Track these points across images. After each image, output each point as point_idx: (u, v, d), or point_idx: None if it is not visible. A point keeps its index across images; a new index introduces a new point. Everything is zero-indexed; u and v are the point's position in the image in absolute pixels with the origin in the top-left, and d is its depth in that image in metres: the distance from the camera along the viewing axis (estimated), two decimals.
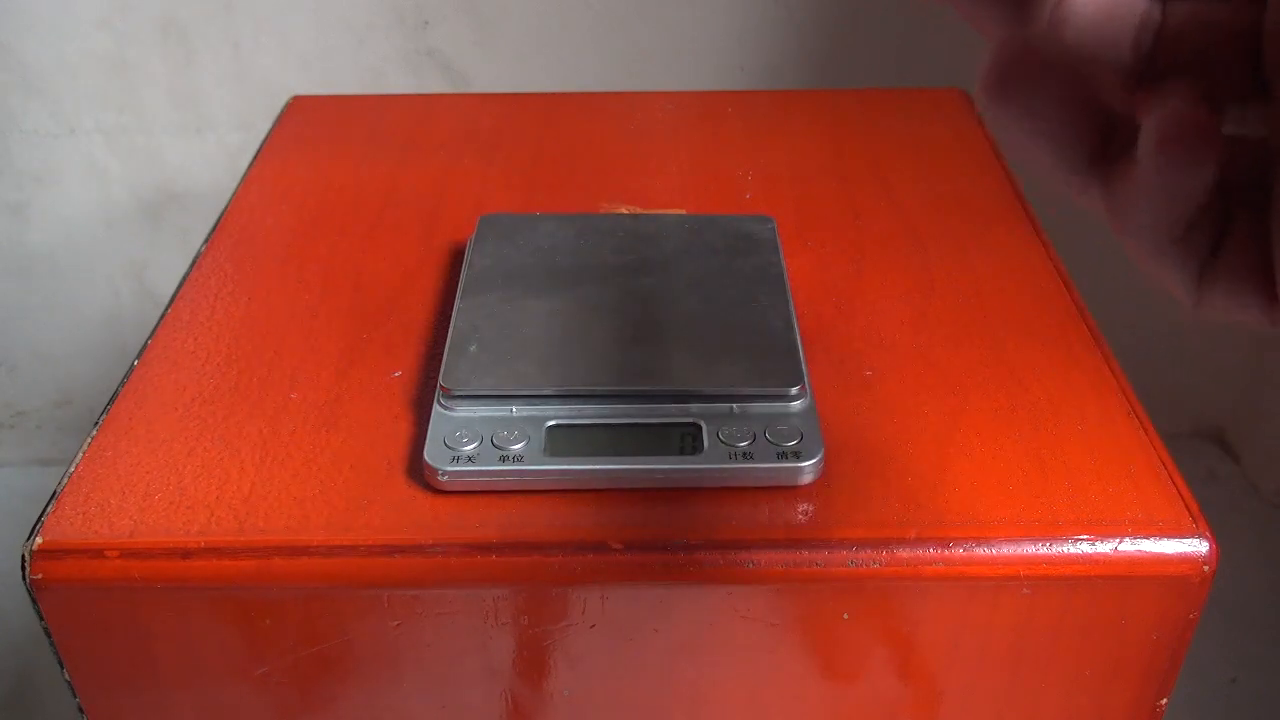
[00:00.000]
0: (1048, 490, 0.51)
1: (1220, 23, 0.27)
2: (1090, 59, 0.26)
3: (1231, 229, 0.26)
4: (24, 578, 0.48)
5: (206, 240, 0.69)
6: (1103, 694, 0.53)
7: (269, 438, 0.54)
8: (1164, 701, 0.53)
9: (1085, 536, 0.49)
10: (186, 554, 0.48)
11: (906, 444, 0.53)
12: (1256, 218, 0.26)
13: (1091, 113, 0.26)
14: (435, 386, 0.53)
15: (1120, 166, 0.25)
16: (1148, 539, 0.49)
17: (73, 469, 0.52)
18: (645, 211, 0.70)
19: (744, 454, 0.50)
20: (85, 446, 0.53)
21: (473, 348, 0.55)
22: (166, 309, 0.63)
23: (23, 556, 0.48)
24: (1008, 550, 0.48)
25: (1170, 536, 0.49)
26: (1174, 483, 0.51)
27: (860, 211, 0.72)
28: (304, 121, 0.83)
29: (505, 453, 0.50)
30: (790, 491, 0.50)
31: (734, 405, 0.52)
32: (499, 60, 1.16)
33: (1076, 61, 0.26)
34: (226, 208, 0.73)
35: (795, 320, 0.58)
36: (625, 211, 0.70)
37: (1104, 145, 0.26)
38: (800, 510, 0.50)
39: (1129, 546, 0.49)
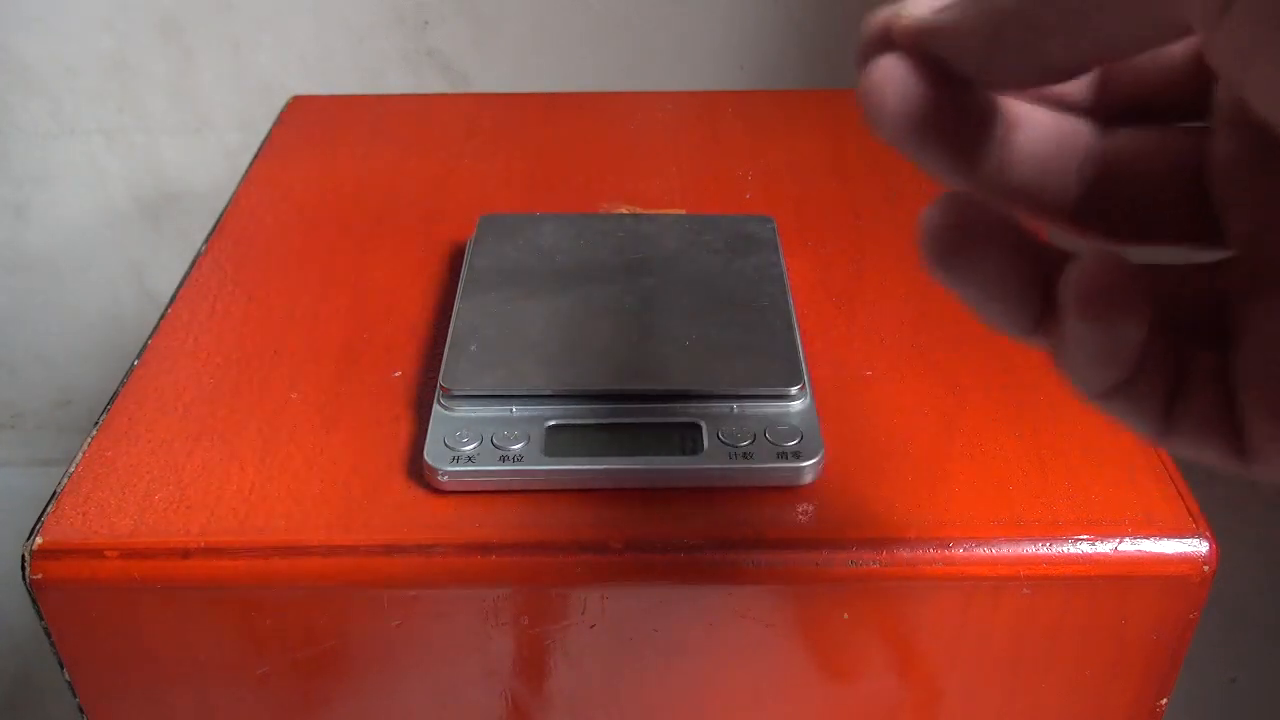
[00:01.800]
0: (1048, 490, 0.51)
1: (1167, 152, 0.26)
2: (1036, 196, 0.26)
3: (1191, 372, 0.24)
4: (24, 578, 0.48)
5: (206, 240, 0.69)
6: (1103, 694, 0.53)
7: (269, 438, 0.54)
8: (1164, 701, 0.53)
9: (1085, 536, 0.49)
10: (186, 554, 0.48)
11: (906, 444, 0.53)
12: (1217, 360, 0.24)
13: (1031, 275, 0.25)
14: (435, 386, 0.53)
15: (1060, 324, 0.24)
16: (1148, 539, 0.49)
17: (73, 469, 0.52)
18: (645, 211, 0.70)
19: (744, 454, 0.50)
20: (85, 446, 0.53)
21: (473, 348, 0.55)
22: (166, 309, 0.63)
23: (23, 556, 0.48)
24: (1008, 550, 0.48)
25: (1170, 536, 0.49)
26: (1174, 483, 0.51)
27: (860, 211, 0.72)
28: (304, 121, 0.83)
29: (505, 453, 0.50)
30: (790, 491, 0.50)
31: (734, 405, 0.52)
32: (499, 60, 1.16)
33: (1022, 199, 0.26)
34: (226, 208, 0.73)
35: (795, 320, 0.58)
36: (625, 211, 0.70)
37: (1046, 306, 0.25)
38: (800, 510, 0.50)
39: (1129, 546, 0.49)
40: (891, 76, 0.23)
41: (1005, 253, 0.25)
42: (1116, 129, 0.27)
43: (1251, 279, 0.25)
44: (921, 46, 0.24)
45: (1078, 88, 0.27)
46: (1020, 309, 0.25)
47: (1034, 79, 0.24)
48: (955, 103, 0.24)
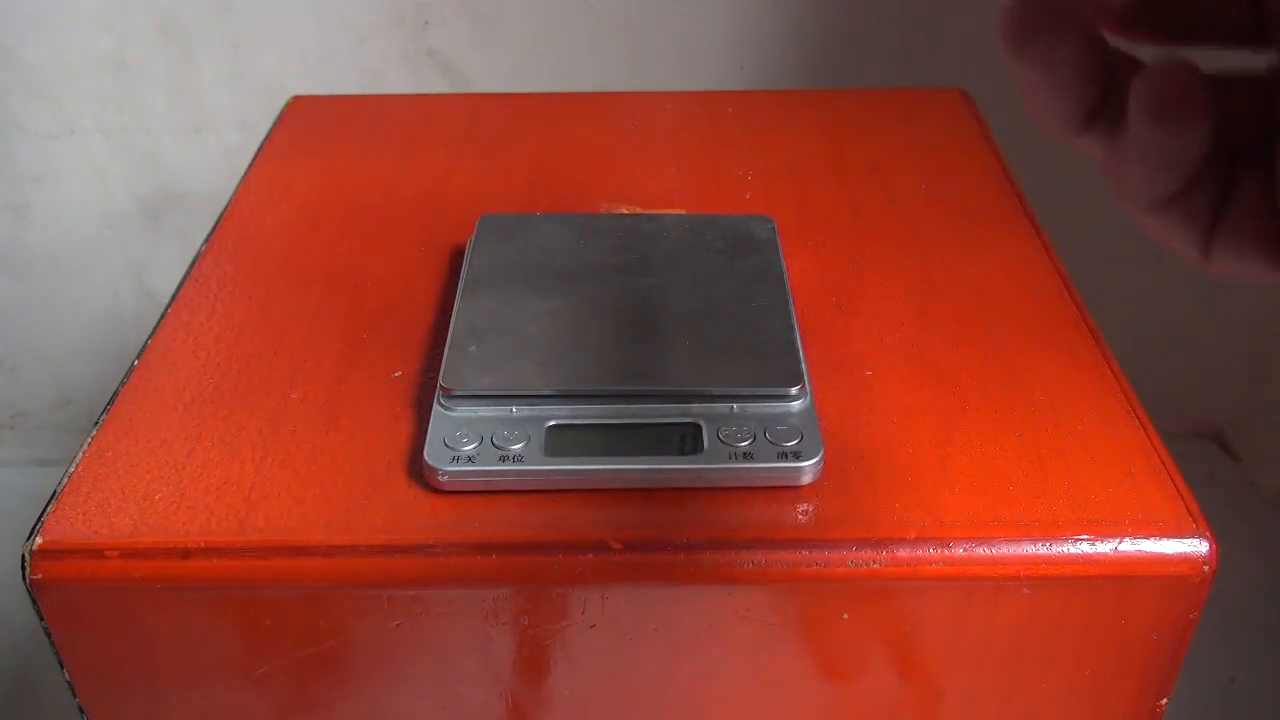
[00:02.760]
0: (1048, 490, 0.51)
1: None
2: None
3: (1237, 189, 0.25)
4: (24, 578, 0.48)
5: (206, 240, 0.69)
6: (1103, 694, 0.53)
7: (269, 438, 0.54)
8: (1164, 701, 0.53)
9: (1085, 536, 0.49)
10: (186, 554, 0.48)
11: (906, 444, 0.53)
12: (1263, 177, 0.25)
13: (1096, 70, 0.26)
14: (435, 386, 0.53)
15: (1118, 129, 0.25)
16: (1148, 539, 0.49)
17: (73, 469, 0.52)
18: (645, 211, 0.70)
19: (744, 454, 0.50)
20: (85, 446, 0.53)
21: (473, 348, 0.55)
22: (166, 309, 0.63)
23: (23, 556, 0.48)
24: (1008, 550, 0.48)
25: (1170, 536, 0.49)
26: (1174, 483, 0.51)
27: (860, 211, 0.72)
28: (304, 121, 0.83)
29: (505, 453, 0.50)
30: (790, 491, 0.50)
31: (734, 405, 0.52)
32: (499, 60, 1.17)
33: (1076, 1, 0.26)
34: (226, 208, 0.73)
35: (795, 320, 0.58)
36: (625, 211, 0.70)
37: (1104, 103, 0.26)
38: (800, 510, 0.50)
39: (1129, 546, 0.49)
40: None
41: (1077, 42, 0.25)
42: None
43: None
44: None
45: None
46: (1079, 100, 0.26)
47: None
48: None
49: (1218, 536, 0.49)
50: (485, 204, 0.72)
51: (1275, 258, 0.25)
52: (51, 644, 0.50)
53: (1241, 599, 1.20)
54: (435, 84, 1.18)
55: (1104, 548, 0.49)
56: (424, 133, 0.82)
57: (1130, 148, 0.25)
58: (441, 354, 0.55)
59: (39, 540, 0.48)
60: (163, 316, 0.62)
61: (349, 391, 0.56)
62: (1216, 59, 0.27)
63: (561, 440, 0.51)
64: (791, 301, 0.59)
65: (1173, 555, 0.49)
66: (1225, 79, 0.26)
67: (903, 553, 0.48)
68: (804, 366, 0.54)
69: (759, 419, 0.52)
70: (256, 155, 0.79)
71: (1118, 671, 0.52)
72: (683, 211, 0.71)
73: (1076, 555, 0.48)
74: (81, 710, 0.53)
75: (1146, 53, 0.27)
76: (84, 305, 1.32)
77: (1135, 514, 0.50)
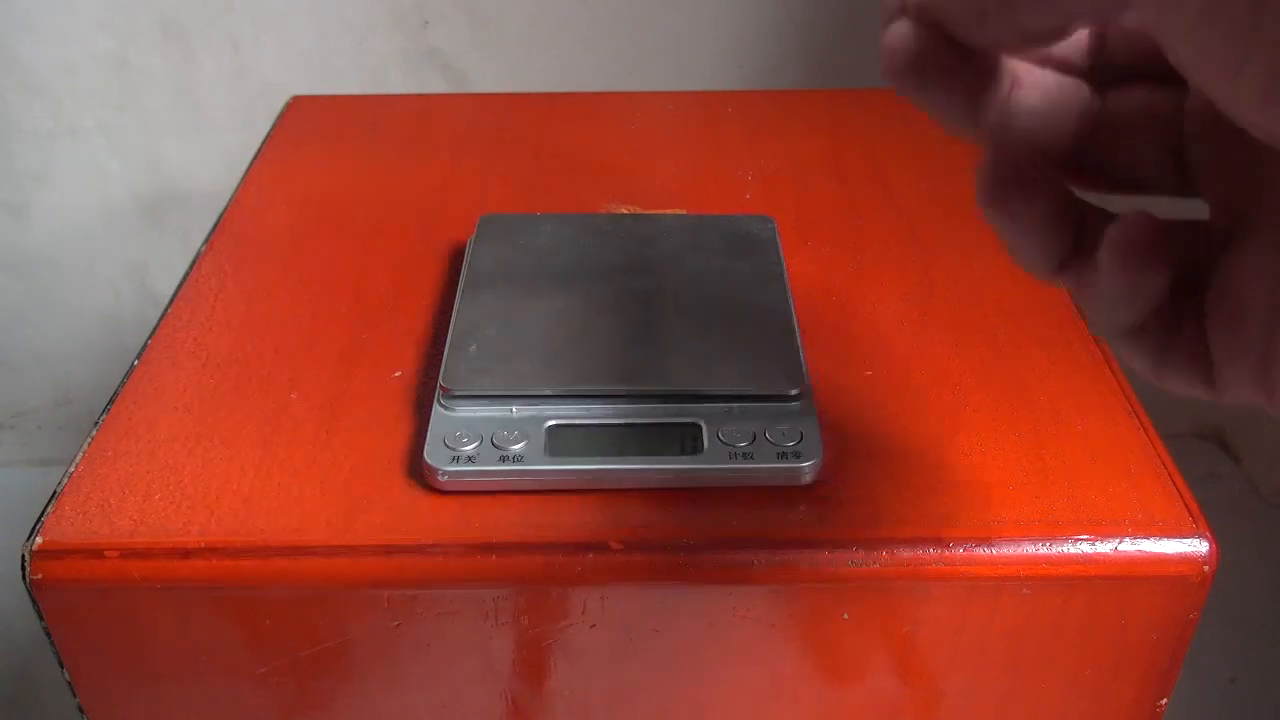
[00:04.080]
0: (1048, 490, 0.51)
1: (1154, 114, 0.30)
2: (1035, 146, 0.29)
3: (1182, 323, 0.28)
4: (24, 578, 0.48)
5: (206, 240, 0.69)
6: (1103, 694, 0.53)
7: (269, 438, 0.54)
8: (1164, 701, 0.53)
9: (1085, 536, 0.49)
10: (186, 554, 0.48)
11: (906, 444, 0.53)
12: (1198, 303, 0.28)
13: (1066, 223, 0.29)
14: (435, 386, 0.53)
15: (1089, 270, 0.28)
16: (1148, 539, 0.49)
17: (73, 469, 0.52)
18: (645, 211, 0.70)
19: (744, 454, 0.50)
20: (85, 446, 0.53)
21: (473, 348, 0.55)
22: (166, 309, 0.63)
23: (23, 556, 0.48)
24: (1008, 550, 0.48)
25: (1170, 536, 0.49)
26: (1174, 483, 0.51)
27: (860, 211, 0.72)
28: (304, 121, 0.83)
29: (505, 453, 0.50)
30: (790, 491, 0.50)
31: (734, 405, 0.52)
32: (499, 60, 1.16)
33: (1023, 148, 0.29)
34: (226, 208, 0.73)
35: (795, 320, 0.58)
36: (625, 211, 0.70)
37: (1075, 250, 0.29)
38: (800, 510, 0.50)
39: (1129, 546, 0.49)
40: (902, 37, 0.28)
41: (1046, 200, 0.29)
42: (1113, 90, 0.30)
43: (1223, 233, 0.28)
44: (925, 16, 0.28)
45: (1077, 51, 0.30)
46: (1052, 250, 0.29)
47: (1019, 43, 0.27)
48: (956, 61, 0.28)
49: (1218, 536, 0.49)
50: (485, 204, 0.72)
51: (1206, 377, 0.28)
52: (51, 644, 0.50)
53: (1241, 599, 1.20)
54: (435, 84, 1.18)
55: (1104, 548, 0.49)
56: (424, 133, 0.82)
57: (1101, 286, 0.27)
58: (441, 354, 0.55)
59: (39, 540, 0.48)
60: (163, 316, 0.62)
61: (349, 391, 0.56)
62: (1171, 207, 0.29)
63: (561, 440, 0.51)
64: (791, 301, 0.59)
65: (1173, 555, 0.49)
66: (1176, 224, 0.29)
67: (903, 553, 0.48)
68: (804, 366, 0.54)
69: (759, 419, 0.52)
70: (256, 155, 0.79)
71: (1118, 671, 0.52)
72: (683, 211, 0.71)
73: (1076, 555, 0.48)
74: (81, 710, 0.53)
75: (1114, 204, 0.29)
76: (84, 305, 1.32)
77: (1135, 514, 0.50)
